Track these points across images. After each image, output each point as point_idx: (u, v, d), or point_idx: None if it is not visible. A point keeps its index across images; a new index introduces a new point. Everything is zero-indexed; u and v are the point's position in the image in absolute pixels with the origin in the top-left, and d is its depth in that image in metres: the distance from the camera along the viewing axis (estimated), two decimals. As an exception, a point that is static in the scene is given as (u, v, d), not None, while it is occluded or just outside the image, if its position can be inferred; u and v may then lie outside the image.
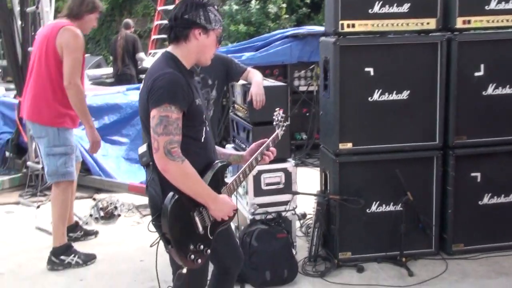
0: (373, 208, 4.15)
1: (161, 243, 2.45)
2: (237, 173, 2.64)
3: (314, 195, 4.22)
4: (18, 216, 5.37)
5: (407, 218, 4.05)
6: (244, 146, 4.37)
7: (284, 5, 10.91)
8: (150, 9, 13.87)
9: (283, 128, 2.95)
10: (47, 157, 4.15)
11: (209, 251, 2.44)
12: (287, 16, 11.01)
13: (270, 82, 4.36)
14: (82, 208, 5.37)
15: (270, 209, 4.15)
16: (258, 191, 4.13)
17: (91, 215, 5.19)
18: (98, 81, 10.26)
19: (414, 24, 4.03)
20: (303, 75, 7.46)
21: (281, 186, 4.16)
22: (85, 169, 6.27)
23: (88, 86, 8.69)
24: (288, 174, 4.16)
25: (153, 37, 12.97)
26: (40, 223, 5.05)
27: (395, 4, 3.97)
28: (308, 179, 5.50)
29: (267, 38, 7.71)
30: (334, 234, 4.13)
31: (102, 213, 5.20)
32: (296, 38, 7.30)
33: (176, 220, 2.33)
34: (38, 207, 5.33)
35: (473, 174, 4.20)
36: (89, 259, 4.35)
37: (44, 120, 4.12)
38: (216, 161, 2.58)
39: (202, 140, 2.52)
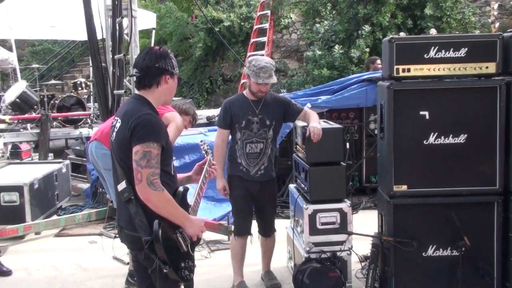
0: (430, 252, 4.11)
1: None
2: (194, 195, 2.95)
3: (368, 236, 4.25)
4: (99, 246, 5.81)
5: (465, 263, 3.97)
6: (303, 186, 4.51)
7: (367, 50, 11.00)
8: (241, 54, 14.49)
9: (211, 153, 3.32)
10: None
11: (195, 265, 2.78)
12: (370, 60, 11.09)
13: (327, 124, 4.50)
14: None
15: (325, 248, 4.24)
16: (314, 230, 4.25)
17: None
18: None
19: (472, 68, 4.03)
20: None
21: (336, 226, 4.26)
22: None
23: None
24: (343, 214, 4.25)
25: (242, 81, 13.52)
26: (117, 253, 5.44)
27: (452, 49, 4.00)
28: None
29: (343, 82, 7.85)
30: (388, 276, 4.13)
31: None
32: (372, 82, 7.37)
33: (167, 242, 2.62)
34: (115, 237, 5.74)
35: (538, 221, 4.06)
36: None
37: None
38: (179, 188, 2.86)
39: (172, 173, 2.85)
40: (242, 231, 4.50)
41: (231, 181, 4.42)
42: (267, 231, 4.57)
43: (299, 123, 4.55)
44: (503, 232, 4.07)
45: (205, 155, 3.27)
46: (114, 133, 2.82)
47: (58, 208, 7.30)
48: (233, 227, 4.62)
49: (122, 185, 2.75)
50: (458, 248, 3.96)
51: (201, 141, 3.41)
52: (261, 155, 4.36)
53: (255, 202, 4.47)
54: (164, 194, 2.65)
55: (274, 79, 4.26)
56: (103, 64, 6.95)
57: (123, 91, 6.41)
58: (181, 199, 2.82)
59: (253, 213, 4.55)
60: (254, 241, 4.70)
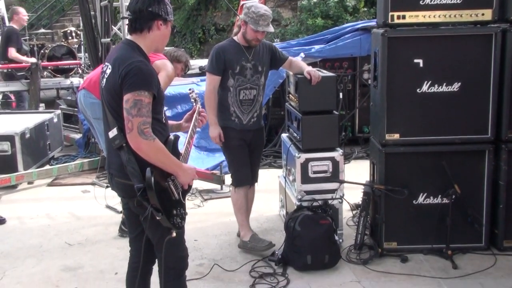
0: (420, 199, 4.15)
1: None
2: (184, 144, 2.91)
3: (360, 184, 4.27)
4: (92, 195, 5.81)
5: (455, 211, 4.02)
6: (295, 135, 4.51)
7: (363, -2, 10.86)
8: (234, 3, 14.21)
9: (200, 102, 3.24)
10: None
11: (186, 213, 2.78)
12: (365, 9, 10.93)
13: (320, 72, 4.44)
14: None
15: (317, 197, 4.27)
16: (306, 179, 4.26)
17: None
18: (179, 72, 10.68)
19: (468, 15, 3.98)
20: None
21: (328, 174, 4.27)
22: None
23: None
24: (335, 163, 4.26)
25: (235, 30, 13.29)
26: (109, 202, 5.46)
27: (448, -5, 3.94)
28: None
29: (337, 31, 7.74)
30: (379, 224, 4.18)
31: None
32: (366, 31, 7.27)
33: (159, 190, 2.60)
34: (107, 187, 5.75)
35: (527, 169, 4.09)
36: None
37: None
38: (170, 136, 2.83)
39: (164, 121, 2.81)
40: (244, 181, 4.37)
41: (225, 133, 4.28)
42: (252, 179, 4.51)
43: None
44: (493, 180, 4.12)
45: (194, 104, 3.22)
46: (104, 80, 2.75)
47: (51, 158, 7.28)
48: (231, 179, 4.44)
49: (113, 132, 2.71)
50: (448, 196, 4.01)
51: (190, 89, 3.33)
52: (254, 102, 4.28)
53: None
54: (156, 143, 2.61)
55: (271, 28, 4.19)
56: (91, 12, 6.81)
57: (109, 39, 6.28)
58: (172, 147, 2.79)
59: (249, 161, 4.39)
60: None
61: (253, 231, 4.39)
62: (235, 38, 4.32)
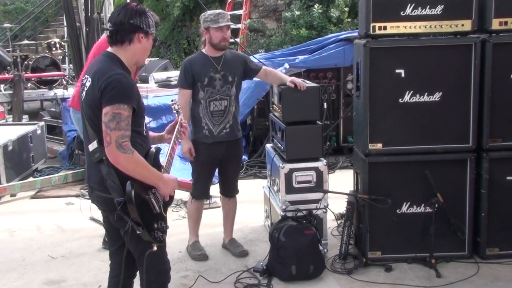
0: (404, 208, 4.18)
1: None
2: (166, 155, 2.91)
3: (344, 193, 4.29)
4: (76, 208, 5.78)
5: (438, 220, 4.05)
6: (279, 145, 4.52)
7: (347, 9, 10.90)
8: (219, 14, 14.24)
9: (181, 114, 3.20)
10: None
11: (167, 226, 2.76)
12: (349, 19, 10.99)
13: (303, 83, 4.46)
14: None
15: (301, 207, 4.27)
16: (290, 189, 4.27)
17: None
18: (164, 84, 10.68)
19: (448, 26, 4.03)
20: (356, 78, 7.47)
21: (312, 184, 4.28)
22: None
23: (153, 88, 9.20)
24: (319, 173, 4.27)
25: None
26: (94, 214, 5.42)
27: (428, 6, 3.99)
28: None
29: (321, 41, 7.81)
30: (363, 233, 4.19)
31: (151, 207, 5.49)
32: (350, 41, 7.33)
33: (139, 204, 2.59)
34: (91, 199, 5.71)
35: (509, 178, 4.13)
36: None
37: None
38: (151, 149, 2.83)
39: (144, 134, 2.81)
40: (200, 195, 4.51)
41: (195, 146, 4.31)
42: (230, 191, 4.53)
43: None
44: (475, 189, 4.16)
45: (176, 115, 3.22)
46: (84, 92, 2.73)
47: (34, 170, 7.22)
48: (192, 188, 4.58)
49: (93, 145, 2.69)
50: (431, 205, 4.04)
51: (172, 101, 3.33)
52: (226, 113, 4.27)
53: (219, 164, 4.42)
54: (134, 156, 2.59)
55: (231, 23, 4.30)
56: (77, 24, 6.79)
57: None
58: (153, 160, 2.78)
59: (213, 177, 4.53)
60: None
61: (197, 239, 4.59)
62: (203, 50, 4.34)
